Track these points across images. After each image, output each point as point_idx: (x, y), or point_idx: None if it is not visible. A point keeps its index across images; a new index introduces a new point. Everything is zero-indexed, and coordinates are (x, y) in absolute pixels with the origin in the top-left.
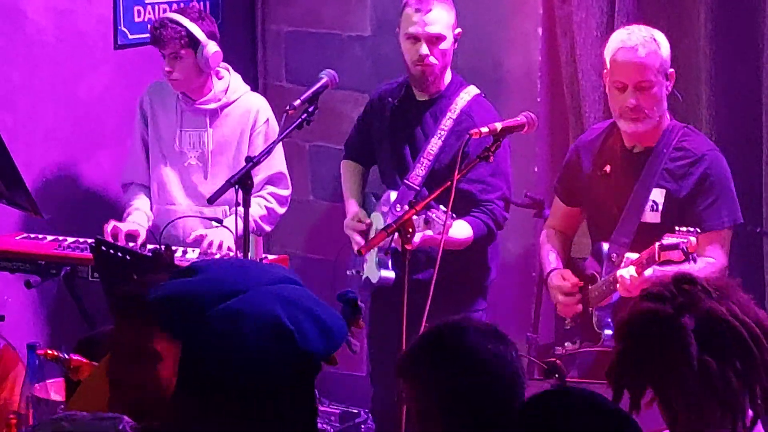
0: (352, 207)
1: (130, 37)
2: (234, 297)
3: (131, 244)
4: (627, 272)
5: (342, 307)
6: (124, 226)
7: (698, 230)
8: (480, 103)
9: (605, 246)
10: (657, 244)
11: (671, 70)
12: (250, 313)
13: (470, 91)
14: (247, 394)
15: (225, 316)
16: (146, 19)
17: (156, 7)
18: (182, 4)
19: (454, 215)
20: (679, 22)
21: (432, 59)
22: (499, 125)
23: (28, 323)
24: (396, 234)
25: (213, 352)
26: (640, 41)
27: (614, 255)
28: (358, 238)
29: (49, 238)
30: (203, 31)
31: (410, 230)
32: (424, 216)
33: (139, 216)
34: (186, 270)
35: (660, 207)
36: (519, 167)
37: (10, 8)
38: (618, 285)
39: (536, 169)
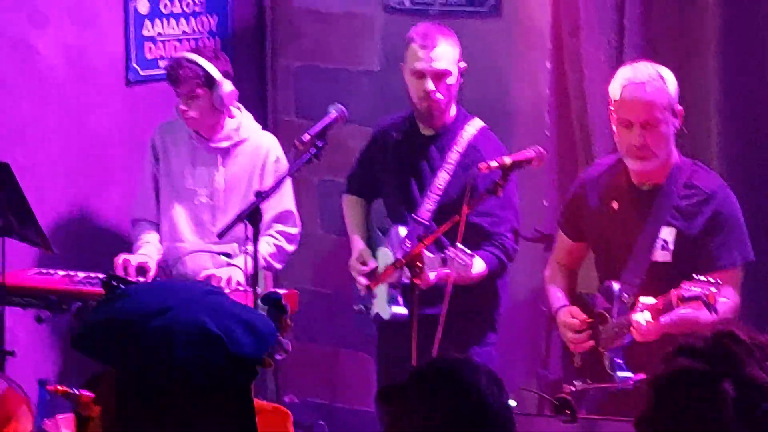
0: (357, 244)
1: (142, 73)
2: (162, 314)
3: (141, 279)
4: (642, 318)
5: (268, 309)
6: (134, 259)
7: (719, 281)
8: (486, 135)
9: (615, 286)
10: (675, 293)
11: (679, 107)
12: (178, 326)
13: (475, 124)
14: (187, 404)
15: (155, 331)
16: (158, 56)
17: (167, 43)
18: (193, 41)
19: (473, 254)
20: (689, 56)
21: (438, 95)
22: (508, 159)
23: (38, 358)
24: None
25: (149, 368)
26: (646, 78)
27: (625, 296)
28: (364, 281)
29: (61, 273)
30: (219, 70)
31: (419, 264)
32: (441, 256)
33: (149, 249)
34: (114, 296)
35: (671, 246)
36: (528, 201)
37: (22, 44)
38: (632, 329)
39: (545, 203)
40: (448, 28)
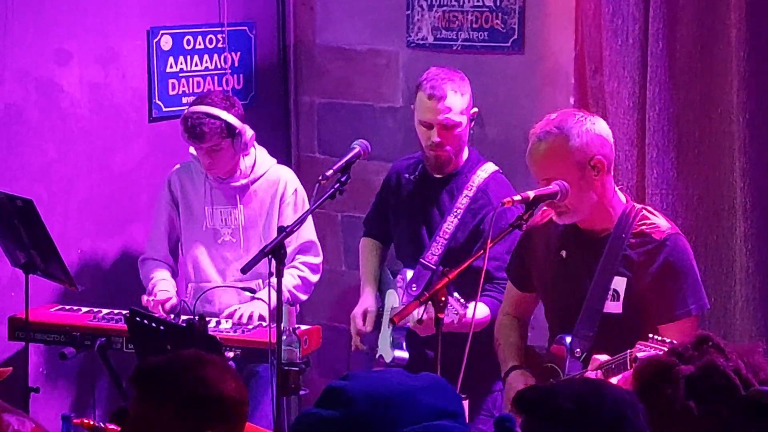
0: (365, 297)
1: (165, 109)
2: None
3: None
4: (594, 376)
5: None
6: (161, 296)
7: (674, 342)
8: (497, 180)
9: (568, 339)
10: (630, 354)
11: (598, 157)
12: None
13: (487, 169)
14: None
15: None
16: (180, 92)
17: (190, 79)
18: (216, 77)
19: (466, 303)
20: (712, 92)
21: (444, 146)
22: (531, 193)
23: (62, 395)
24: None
25: None
26: (544, 136)
27: (578, 350)
28: (357, 340)
29: (84, 309)
30: (236, 117)
31: (443, 299)
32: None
33: (167, 285)
34: (329, 400)
35: (621, 297)
36: None
37: (46, 81)
38: None
39: None
40: (461, 73)
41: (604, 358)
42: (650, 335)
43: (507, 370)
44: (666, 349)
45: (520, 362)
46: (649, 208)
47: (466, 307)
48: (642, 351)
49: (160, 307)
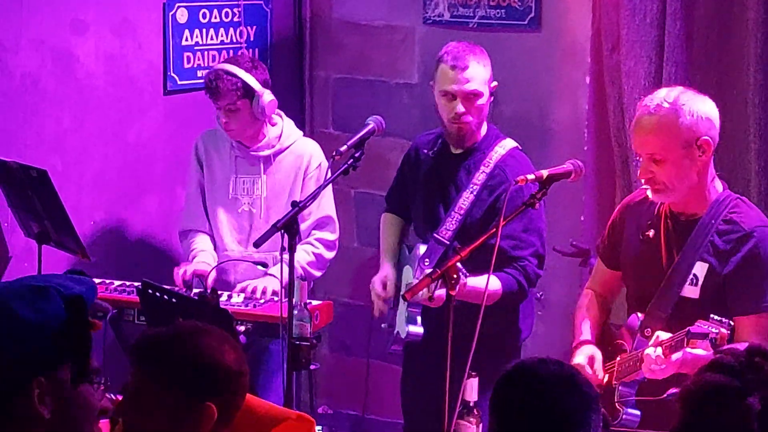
0: (384, 266)
1: (180, 82)
2: None
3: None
4: (654, 352)
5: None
6: (192, 266)
7: (731, 322)
8: (515, 156)
9: (639, 317)
10: (687, 330)
11: (705, 138)
12: None
13: (505, 145)
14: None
15: None
16: (195, 65)
17: (206, 53)
18: (231, 51)
19: (466, 274)
20: (729, 73)
21: (468, 117)
22: (545, 172)
23: None
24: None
25: None
26: (654, 110)
27: (647, 330)
28: (380, 304)
29: (96, 281)
30: (258, 80)
31: (455, 276)
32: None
33: (205, 256)
34: None
35: (700, 282)
36: (565, 216)
37: (62, 52)
38: (643, 364)
39: (582, 218)
40: (480, 47)
41: (665, 336)
42: (711, 315)
43: (574, 346)
44: (723, 330)
45: (586, 339)
46: (745, 198)
47: (465, 276)
48: (697, 329)
49: (187, 271)
